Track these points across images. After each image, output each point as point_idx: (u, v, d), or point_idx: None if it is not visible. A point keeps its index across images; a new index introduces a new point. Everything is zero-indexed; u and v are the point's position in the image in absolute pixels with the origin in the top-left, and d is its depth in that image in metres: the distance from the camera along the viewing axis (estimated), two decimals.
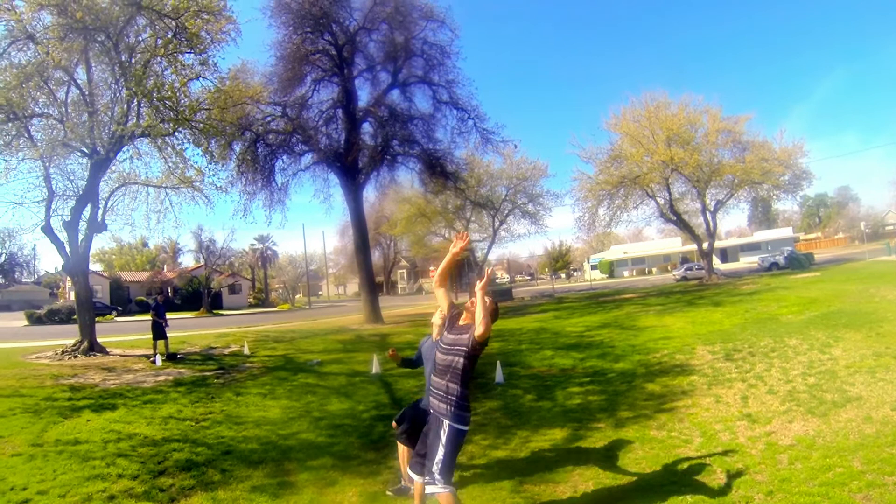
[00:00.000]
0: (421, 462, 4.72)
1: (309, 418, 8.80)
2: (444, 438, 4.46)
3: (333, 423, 8.48)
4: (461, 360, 4.51)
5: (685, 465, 5.83)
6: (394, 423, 5.89)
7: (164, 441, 7.39)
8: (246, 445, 7.29)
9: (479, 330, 4.33)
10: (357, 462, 6.64)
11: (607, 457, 6.31)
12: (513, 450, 6.82)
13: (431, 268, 74.49)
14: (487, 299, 4.51)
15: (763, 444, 6.27)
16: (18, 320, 40.76)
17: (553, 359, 13.12)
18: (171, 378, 12.56)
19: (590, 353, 13.29)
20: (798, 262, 42.05)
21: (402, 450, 5.54)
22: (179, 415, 8.95)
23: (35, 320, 38.83)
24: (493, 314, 4.67)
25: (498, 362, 11.37)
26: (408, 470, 5.03)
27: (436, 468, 4.42)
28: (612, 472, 5.85)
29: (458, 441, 4.58)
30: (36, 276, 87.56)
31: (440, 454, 4.44)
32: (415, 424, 5.20)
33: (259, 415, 9.04)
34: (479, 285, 4.42)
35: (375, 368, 12.62)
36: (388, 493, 5.65)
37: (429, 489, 4.47)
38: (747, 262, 64.50)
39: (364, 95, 31.69)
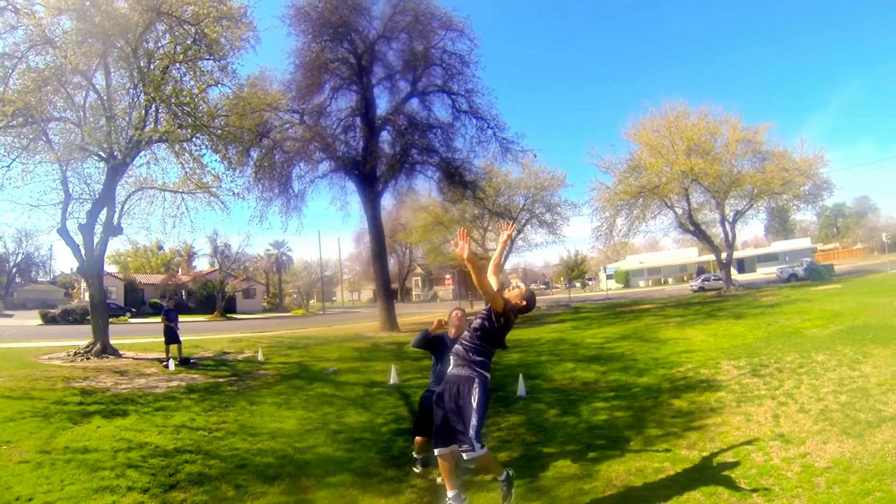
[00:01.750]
0: (445, 436, 4.95)
1: (326, 431, 8.51)
2: (475, 399, 4.83)
3: (352, 436, 8.20)
4: (484, 321, 5.09)
5: (720, 489, 5.51)
6: (418, 439, 6.16)
7: (175, 452, 7.15)
8: (261, 459, 7.02)
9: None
10: (378, 480, 6.35)
11: (639, 478, 6.00)
12: (540, 468, 6.52)
13: (447, 276, 74.48)
14: (521, 289, 5.26)
15: (798, 467, 5.94)
16: (33, 319, 40.95)
17: (575, 371, 12.78)
18: (183, 384, 12.37)
19: (612, 367, 12.94)
20: (818, 274, 41.36)
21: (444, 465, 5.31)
22: (192, 423, 8.71)
23: (49, 320, 38.95)
24: (530, 300, 5.27)
25: (521, 375, 11.03)
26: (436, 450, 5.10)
27: (472, 433, 4.74)
28: (646, 494, 5.54)
29: (487, 395, 5.03)
30: (52, 275, 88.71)
31: (475, 419, 4.79)
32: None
33: (274, 426, 8.77)
34: (463, 254, 4.78)
35: (393, 379, 12.35)
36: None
37: (468, 456, 4.78)
38: (764, 272, 63.95)
39: (383, 104, 31.82)
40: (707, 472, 6.00)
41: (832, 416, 7.51)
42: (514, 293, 5.25)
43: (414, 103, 31.56)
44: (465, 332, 5.24)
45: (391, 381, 12.30)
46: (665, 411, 8.80)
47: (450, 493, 4.89)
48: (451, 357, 5.24)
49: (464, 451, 4.80)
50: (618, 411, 9.07)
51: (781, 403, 8.39)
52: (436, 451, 5.04)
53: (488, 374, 5.09)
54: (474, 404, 4.83)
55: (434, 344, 6.59)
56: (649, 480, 5.90)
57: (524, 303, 5.23)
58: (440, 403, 5.01)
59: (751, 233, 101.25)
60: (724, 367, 11.49)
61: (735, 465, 6.18)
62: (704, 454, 6.61)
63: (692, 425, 7.86)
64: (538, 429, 8.31)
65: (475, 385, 4.90)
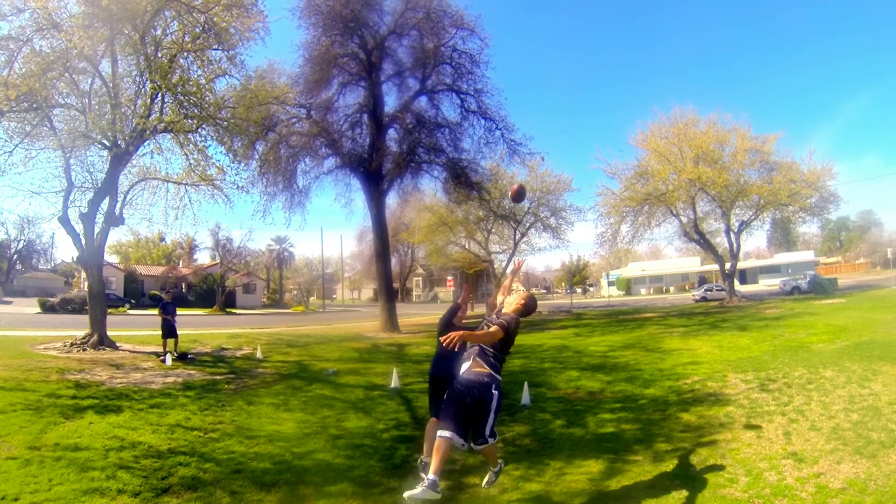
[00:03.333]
0: (459, 427, 5.06)
1: (325, 435, 8.31)
2: (495, 402, 5.19)
3: (352, 442, 7.99)
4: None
5: None
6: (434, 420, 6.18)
7: (169, 453, 6.94)
8: (258, 464, 6.81)
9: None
10: (379, 490, 6.16)
11: (650, 495, 5.82)
12: (548, 483, 6.33)
13: (449, 278, 74.45)
14: (527, 298, 5.81)
15: (813, 487, 5.77)
16: (31, 307, 40.89)
17: (579, 380, 12.55)
18: (180, 380, 12.17)
19: (617, 377, 12.71)
20: (821, 287, 40.94)
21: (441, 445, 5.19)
22: (187, 423, 8.51)
23: (48, 308, 38.89)
24: (530, 302, 5.80)
25: (525, 383, 10.82)
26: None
27: (487, 430, 5.20)
28: None
29: (502, 396, 5.38)
30: (52, 264, 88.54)
31: (491, 419, 5.20)
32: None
33: (272, 428, 8.56)
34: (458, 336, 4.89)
35: (395, 382, 12.11)
36: None
37: (479, 447, 5.28)
38: (766, 284, 63.71)
39: (391, 101, 31.66)
40: (720, 491, 5.82)
41: (844, 434, 7.31)
42: (511, 300, 5.79)
43: (422, 101, 31.45)
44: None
45: (392, 385, 12.05)
46: (673, 425, 8.59)
47: (431, 477, 4.76)
48: (473, 359, 5.38)
49: (477, 444, 5.25)
50: (625, 423, 8.89)
51: (792, 420, 8.17)
52: (440, 431, 5.02)
53: (500, 378, 5.40)
54: (493, 406, 5.19)
55: (447, 328, 6.57)
56: (660, 499, 5.73)
57: (522, 302, 5.74)
58: (463, 401, 5.14)
59: (753, 244, 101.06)
60: (732, 380, 11.24)
61: (748, 484, 5.99)
62: (716, 472, 6.41)
63: (702, 441, 7.66)
64: (544, 440, 8.13)
65: (493, 389, 5.22)
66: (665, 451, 7.34)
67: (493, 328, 5.29)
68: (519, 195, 7.89)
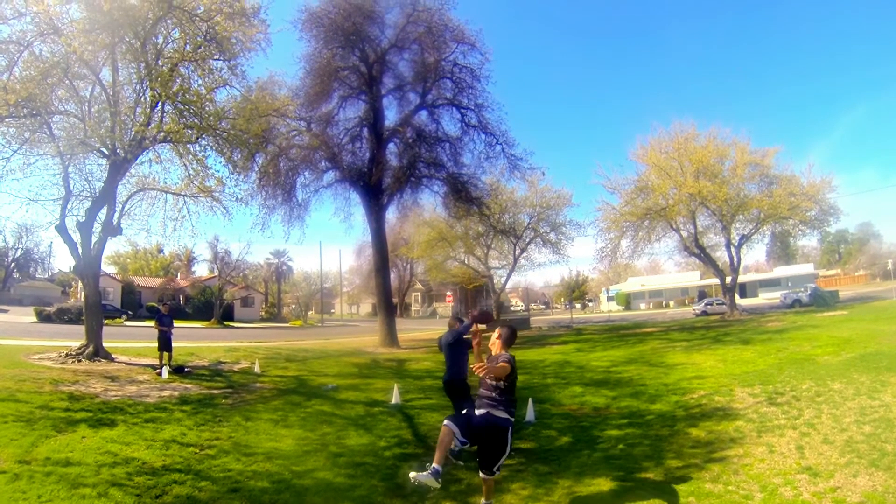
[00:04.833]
0: (468, 436, 5.59)
1: (325, 453, 8.06)
2: (508, 446, 5.64)
3: (353, 460, 7.75)
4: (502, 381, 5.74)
5: None
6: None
7: (164, 470, 6.72)
8: (256, 483, 6.58)
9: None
10: None
11: None
12: (557, 502, 6.11)
13: (448, 293, 74.22)
14: (503, 331, 6.15)
15: (830, 502, 5.64)
16: (27, 316, 40.59)
17: (584, 396, 12.38)
18: (176, 394, 11.96)
19: (622, 392, 12.54)
20: (822, 300, 40.82)
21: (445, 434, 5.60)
22: (183, 439, 8.28)
23: (44, 318, 38.56)
24: (503, 329, 6.17)
25: (530, 400, 10.61)
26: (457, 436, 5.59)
27: (496, 467, 5.64)
28: None
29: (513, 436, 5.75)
30: (50, 273, 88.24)
31: (502, 460, 5.65)
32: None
33: (270, 445, 8.34)
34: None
35: (395, 399, 11.90)
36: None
37: (482, 476, 5.74)
38: (766, 298, 63.53)
39: (391, 115, 31.72)
40: None
41: (858, 447, 7.15)
42: (493, 339, 6.15)
43: (423, 116, 31.52)
44: (492, 381, 5.71)
45: (393, 401, 11.86)
46: (683, 441, 8.40)
47: (434, 466, 5.17)
48: (489, 407, 5.63)
49: (487, 475, 5.68)
50: (633, 440, 8.69)
51: (804, 434, 7.99)
52: (445, 421, 5.53)
53: (513, 420, 5.79)
54: (507, 451, 5.65)
55: (458, 343, 7.44)
56: None
57: (499, 335, 6.10)
58: (479, 433, 5.59)
59: (753, 257, 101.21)
60: (739, 394, 11.06)
61: (764, 500, 5.85)
62: (730, 488, 6.23)
63: (713, 456, 7.47)
64: (551, 457, 7.92)
65: (509, 435, 5.65)
66: (676, 467, 7.16)
67: (501, 364, 5.58)
68: (479, 317, 8.29)
